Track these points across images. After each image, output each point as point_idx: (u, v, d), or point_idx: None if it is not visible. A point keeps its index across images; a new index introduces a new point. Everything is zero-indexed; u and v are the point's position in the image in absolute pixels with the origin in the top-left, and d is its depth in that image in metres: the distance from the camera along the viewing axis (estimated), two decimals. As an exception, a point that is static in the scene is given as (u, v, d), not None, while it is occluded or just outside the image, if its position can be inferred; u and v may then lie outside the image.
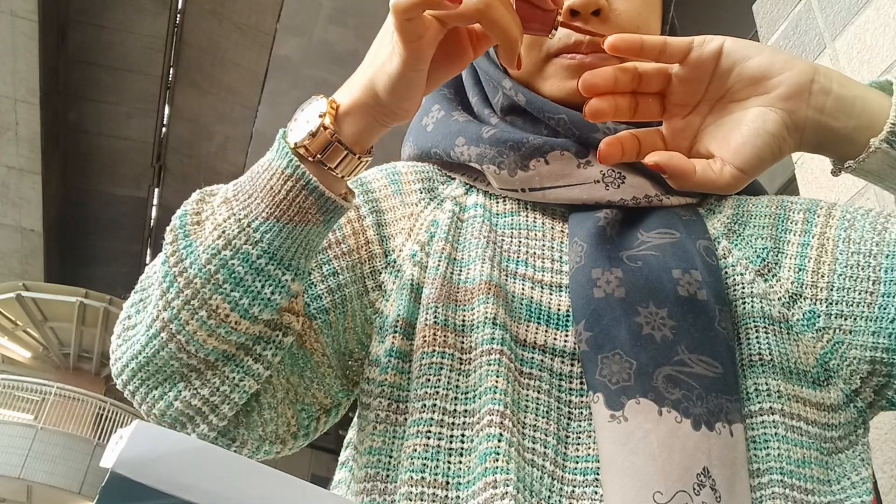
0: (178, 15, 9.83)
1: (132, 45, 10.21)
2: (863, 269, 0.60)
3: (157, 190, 12.62)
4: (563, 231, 0.67)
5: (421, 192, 0.70)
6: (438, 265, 0.63)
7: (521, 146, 0.65)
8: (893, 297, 0.58)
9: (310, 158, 0.51)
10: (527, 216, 0.68)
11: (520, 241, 0.66)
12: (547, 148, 0.65)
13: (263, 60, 9.79)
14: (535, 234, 0.67)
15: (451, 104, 0.75)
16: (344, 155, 0.51)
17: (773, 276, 0.63)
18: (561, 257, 0.65)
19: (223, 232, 0.52)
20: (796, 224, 0.65)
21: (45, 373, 13.04)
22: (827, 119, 0.53)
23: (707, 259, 0.62)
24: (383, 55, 0.50)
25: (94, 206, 12.69)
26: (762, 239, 0.65)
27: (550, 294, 0.63)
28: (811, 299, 0.61)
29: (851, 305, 0.59)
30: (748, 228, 0.66)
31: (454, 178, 0.72)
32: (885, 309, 0.58)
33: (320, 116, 0.51)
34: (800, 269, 0.62)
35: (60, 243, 12.72)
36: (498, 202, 0.70)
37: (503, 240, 0.66)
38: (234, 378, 0.54)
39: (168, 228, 0.55)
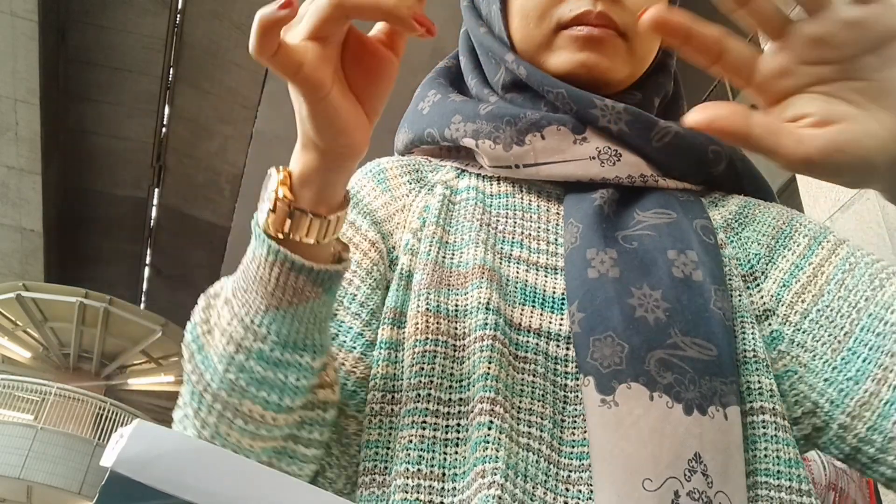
0: (178, 15, 9.82)
1: (132, 45, 10.21)
2: (842, 316, 0.57)
3: (157, 190, 12.62)
4: (558, 213, 0.66)
5: (410, 184, 0.70)
6: (430, 250, 0.62)
7: (518, 121, 0.65)
8: (858, 357, 0.55)
9: (280, 235, 0.48)
10: (521, 198, 0.68)
11: (514, 223, 0.66)
12: (544, 122, 0.64)
13: (263, 60, 9.75)
14: (530, 216, 0.66)
15: (447, 89, 0.74)
16: (310, 220, 0.48)
17: (755, 286, 0.62)
18: (556, 239, 0.65)
19: (231, 336, 0.50)
20: (798, 246, 0.63)
21: (45, 373, 13.05)
22: None
23: (704, 238, 0.61)
24: (294, 104, 0.47)
25: (94, 206, 12.69)
26: (757, 244, 0.64)
27: (546, 277, 0.62)
28: (781, 319, 0.60)
29: (816, 342, 0.58)
30: (747, 230, 0.65)
31: (444, 165, 0.72)
32: (846, 363, 0.56)
33: (274, 190, 0.48)
34: (784, 285, 0.61)
35: (60, 243, 12.72)
36: (492, 184, 0.69)
37: (497, 221, 0.66)
38: (293, 470, 0.54)
39: (182, 345, 0.54)
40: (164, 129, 11.53)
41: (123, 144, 11.66)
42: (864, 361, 0.55)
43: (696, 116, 0.41)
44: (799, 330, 0.59)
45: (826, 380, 0.57)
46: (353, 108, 0.46)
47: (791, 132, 0.41)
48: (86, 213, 12.74)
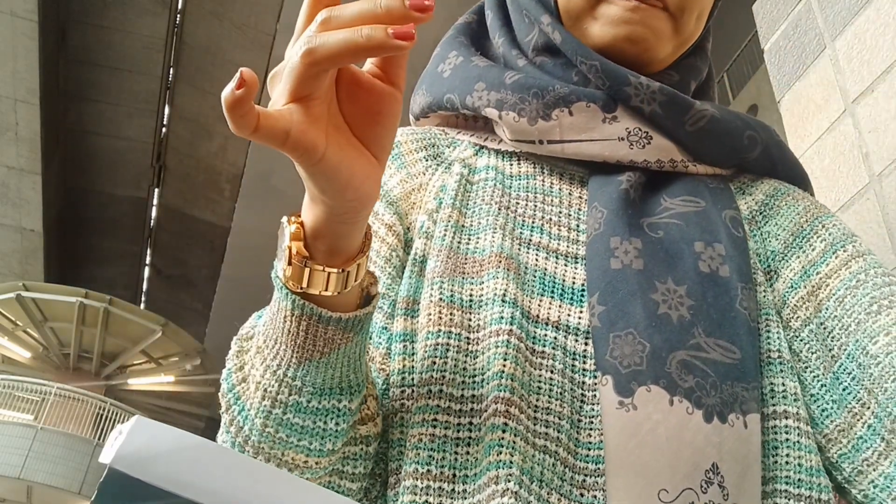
0: (178, 15, 9.83)
1: (132, 45, 10.21)
2: (833, 338, 0.56)
3: (157, 190, 12.62)
4: (581, 197, 0.63)
5: (426, 160, 0.66)
6: (444, 235, 0.59)
7: (546, 93, 0.61)
8: (840, 384, 0.54)
9: (298, 290, 0.45)
10: (543, 180, 0.64)
11: (535, 206, 0.62)
12: (573, 98, 0.61)
13: (263, 60, 9.78)
14: (552, 200, 0.63)
15: (469, 50, 0.70)
16: (328, 275, 0.45)
17: (769, 284, 0.60)
18: (578, 225, 0.62)
19: (265, 391, 0.48)
20: (813, 250, 0.60)
21: (45, 373, 13.04)
22: None
23: (733, 231, 0.59)
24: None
25: (94, 206, 12.69)
26: (776, 240, 0.62)
27: (566, 265, 0.59)
28: (784, 322, 0.58)
29: (811, 354, 0.57)
30: (769, 224, 0.63)
31: (462, 141, 0.68)
32: (833, 386, 0.55)
33: (287, 246, 0.45)
34: (792, 287, 0.59)
35: (60, 243, 12.73)
36: (512, 164, 0.66)
37: (517, 204, 0.62)
38: None
39: (220, 393, 0.53)
40: (164, 129, 11.53)
41: (123, 144, 11.66)
42: (844, 390, 0.54)
43: None
44: (797, 338, 0.57)
45: (812, 395, 0.55)
46: (356, 158, 0.42)
47: None
48: (86, 213, 12.74)
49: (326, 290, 0.45)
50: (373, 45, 0.37)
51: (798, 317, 0.58)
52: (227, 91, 0.37)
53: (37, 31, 8.74)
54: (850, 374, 0.54)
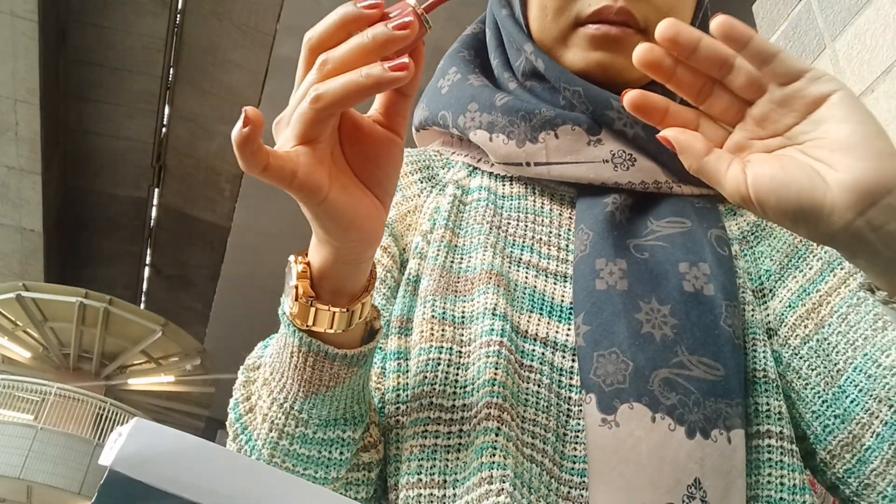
0: (178, 15, 9.83)
1: (132, 45, 10.21)
2: (838, 352, 0.55)
3: (157, 190, 12.61)
4: (570, 218, 0.65)
5: (421, 182, 0.68)
6: (438, 255, 0.61)
7: (533, 117, 0.64)
8: (846, 397, 0.54)
9: (304, 328, 0.47)
10: (534, 201, 0.66)
11: (525, 226, 0.64)
12: (558, 121, 0.63)
13: (263, 60, 9.78)
14: (542, 220, 0.65)
15: (468, 66, 0.72)
16: (333, 314, 0.47)
17: (762, 303, 0.61)
18: (567, 245, 0.63)
19: (272, 423, 0.50)
20: (810, 269, 0.60)
21: (45, 373, 13.03)
22: (874, 238, 0.40)
23: (718, 249, 0.59)
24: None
25: (94, 206, 12.68)
26: (770, 261, 0.63)
27: (554, 284, 0.61)
28: (782, 340, 0.59)
29: (811, 371, 0.57)
30: (762, 244, 0.64)
31: (456, 162, 0.71)
32: (836, 400, 0.55)
33: (294, 286, 0.47)
34: (790, 306, 0.60)
35: (60, 243, 12.72)
36: (504, 184, 0.68)
37: (508, 223, 0.65)
38: None
39: (227, 423, 0.55)
40: (164, 129, 11.52)
41: (123, 144, 11.66)
42: (851, 402, 0.54)
43: (667, 134, 0.44)
44: (796, 355, 0.58)
45: (813, 412, 0.56)
46: (359, 199, 0.44)
47: (732, 164, 0.43)
48: (86, 213, 12.73)
49: (331, 328, 0.47)
50: (372, 82, 0.40)
51: (797, 334, 0.58)
52: (236, 130, 0.39)
53: (37, 31, 8.73)
54: (857, 385, 0.53)
